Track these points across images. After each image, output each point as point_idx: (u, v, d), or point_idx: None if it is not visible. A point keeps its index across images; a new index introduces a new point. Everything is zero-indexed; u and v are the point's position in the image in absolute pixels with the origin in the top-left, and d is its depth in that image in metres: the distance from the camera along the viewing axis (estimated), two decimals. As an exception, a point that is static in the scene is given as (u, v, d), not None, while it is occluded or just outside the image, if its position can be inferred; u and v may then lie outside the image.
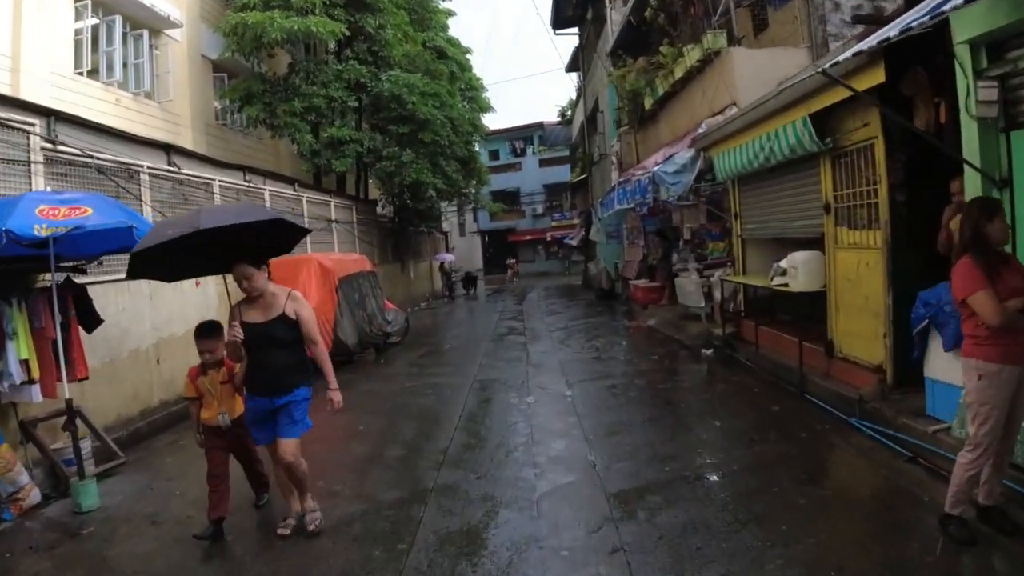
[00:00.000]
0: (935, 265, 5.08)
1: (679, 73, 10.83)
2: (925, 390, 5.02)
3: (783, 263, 6.92)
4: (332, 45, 16.18)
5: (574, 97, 32.41)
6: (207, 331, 4.24)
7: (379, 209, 21.09)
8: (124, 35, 14.33)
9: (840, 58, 4.92)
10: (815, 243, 6.87)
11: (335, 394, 4.11)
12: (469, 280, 27.92)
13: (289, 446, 3.87)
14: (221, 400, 4.18)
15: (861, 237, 5.87)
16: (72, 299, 6.01)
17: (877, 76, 4.92)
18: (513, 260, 37.53)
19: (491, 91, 63.72)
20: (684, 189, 8.98)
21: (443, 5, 25.01)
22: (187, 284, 8.89)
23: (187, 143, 15.52)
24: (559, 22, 24.44)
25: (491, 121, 34.13)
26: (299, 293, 4.10)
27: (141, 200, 8.29)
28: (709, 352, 8.95)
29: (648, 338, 10.96)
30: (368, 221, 18.11)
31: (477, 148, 33.54)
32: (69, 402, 5.40)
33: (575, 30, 25.14)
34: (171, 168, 9.06)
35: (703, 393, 6.97)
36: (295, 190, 13.17)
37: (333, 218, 14.88)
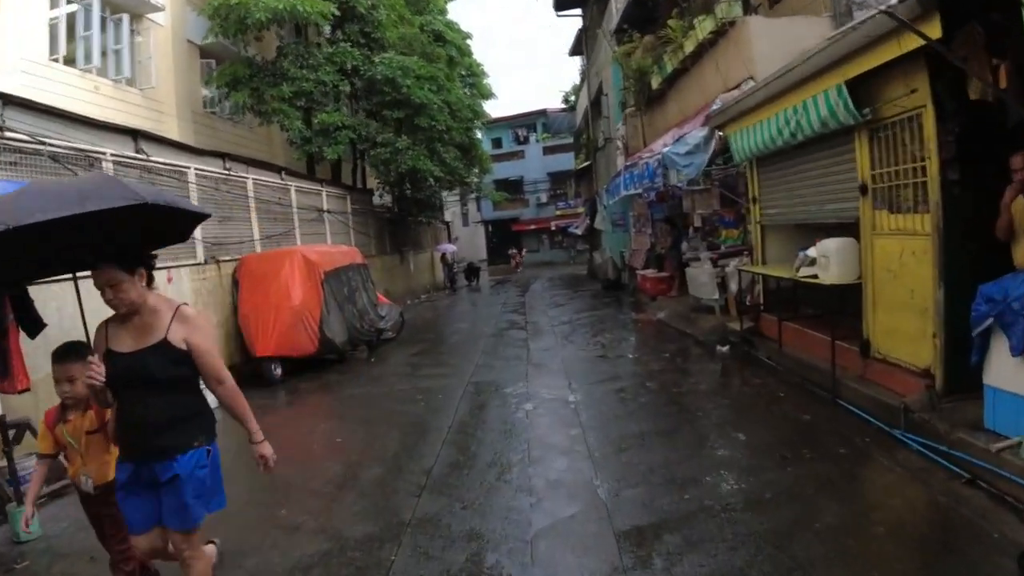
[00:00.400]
0: (993, 254, 4.37)
1: (690, 47, 10.03)
2: (984, 399, 4.29)
3: (811, 251, 6.17)
4: (323, 27, 15.44)
5: (578, 82, 31.57)
6: (64, 354, 2.97)
7: (377, 199, 20.40)
8: (103, 20, 13.63)
9: (881, 9, 4.17)
10: (847, 229, 6.12)
11: (262, 448, 2.96)
12: (471, 271, 27.21)
13: (178, 540, 2.71)
14: (87, 455, 3.04)
15: (905, 222, 5.12)
16: (10, 300, 5.34)
17: (932, 30, 4.15)
18: (515, 251, 36.74)
19: (494, 79, 62.68)
20: (697, 171, 8.22)
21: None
22: (159, 280, 8.22)
23: (172, 131, 14.83)
24: (561, 2, 23.53)
25: (493, 109, 33.35)
26: (191, 310, 2.86)
27: (105, 190, 7.60)
28: (725, 349, 8.22)
29: (658, 333, 10.24)
30: (364, 211, 17.41)
31: (479, 135, 32.78)
32: (2, 419, 4.81)
33: (578, 11, 24.23)
34: (138, 155, 8.37)
35: (722, 398, 6.24)
36: (282, 178, 12.46)
37: (325, 208, 14.17)
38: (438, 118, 15.80)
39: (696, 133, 8.36)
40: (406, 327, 13.70)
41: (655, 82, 12.53)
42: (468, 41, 28.91)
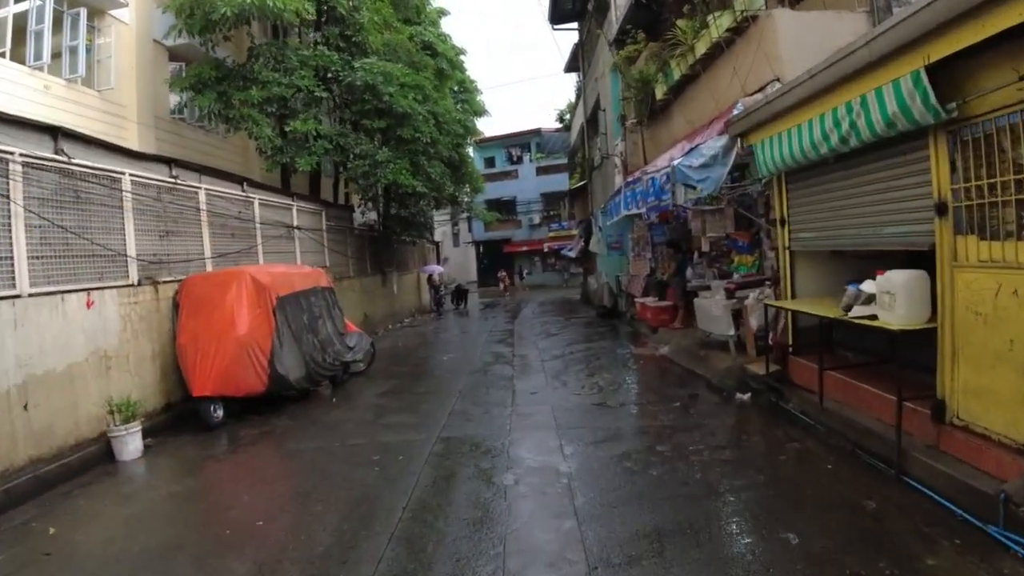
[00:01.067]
0: None
1: (702, 49, 8.87)
2: None
3: (867, 286, 4.92)
4: (299, 27, 14.30)
5: (573, 99, 30.61)
6: None
7: (359, 216, 19.13)
8: (58, 14, 12.43)
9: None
10: (905, 259, 4.89)
11: None
12: (459, 294, 25.88)
13: None
14: None
15: (1005, 251, 3.88)
16: None
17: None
18: (504, 273, 35.41)
19: (488, 97, 62.02)
20: (715, 187, 7.00)
21: (434, 4, 23.23)
22: (73, 304, 6.88)
23: (131, 139, 13.57)
24: (557, 16, 22.57)
25: (487, 127, 32.32)
26: None
27: (9, 198, 6.30)
28: (746, 397, 6.95)
29: (663, 373, 8.94)
30: (342, 229, 16.13)
31: (471, 152, 31.76)
32: None
33: (574, 25, 23.30)
34: (57, 157, 7.07)
35: (755, 471, 4.89)
36: (244, 190, 11.17)
37: (295, 224, 12.88)
38: (423, 129, 14.60)
39: (713, 143, 7.15)
40: (380, 357, 12.35)
41: (659, 91, 11.39)
42: (462, 57, 28.05)
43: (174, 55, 15.18)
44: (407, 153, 14.57)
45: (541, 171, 41.14)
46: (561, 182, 36.12)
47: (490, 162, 43.80)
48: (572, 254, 25.62)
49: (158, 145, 13.62)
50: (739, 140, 6.93)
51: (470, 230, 43.40)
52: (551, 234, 40.03)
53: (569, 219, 31.63)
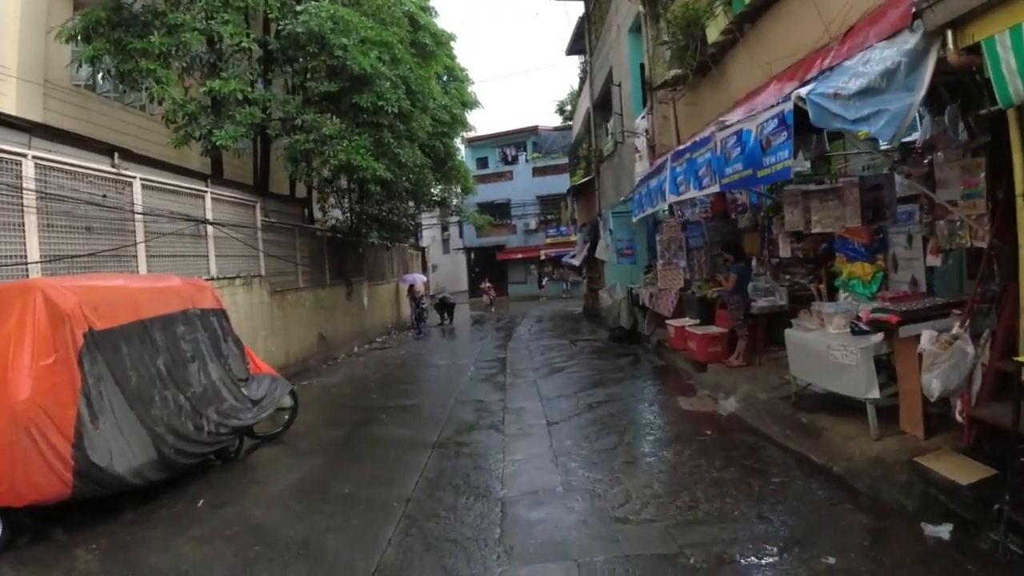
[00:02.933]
0: None
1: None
2: None
3: None
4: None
5: (576, 86, 27.37)
6: None
7: (318, 212, 15.68)
8: None
9: None
10: None
11: None
12: (444, 307, 22.36)
13: None
14: None
15: None
16: None
17: None
18: (489, 284, 31.83)
19: (481, 93, 58.67)
20: (896, 129, 3.57)
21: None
22: None
23: (8, 105, 10.17)
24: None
25: (480, 126, 29.40)
26: None
27: None
28: (943, 533, 3.56)
29: (751, 456, 5.43)
30: (288, 228, 12.65)
31: (460, 148, 28.47)
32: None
33: (580, -3, 20.02)
34: None
35: None
36: (115, 164, 7.72)
37: (208, 218, 9.41)
38: (388, 96, 11.13)
39: (881, 52, 3.73)
40: (319, 402, 8.92)
41: (713, 31, 8.02)
42: (452, 43, 24.92)
43: (79, 4, 11.76)
44: (366, 127, 11.11)
45: (538, 172, 37.76)
46: (559, 184, 32.76)
47: (482, 162, 40.45)
48: (575, 262, 22.12)
49: (55, 117, 10.15)
50: (944, 37, 3.51)
51: (461, 236, 40.01)
52: (548, 240, 36.72)
53: (570, 223, 28.05)
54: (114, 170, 7.58)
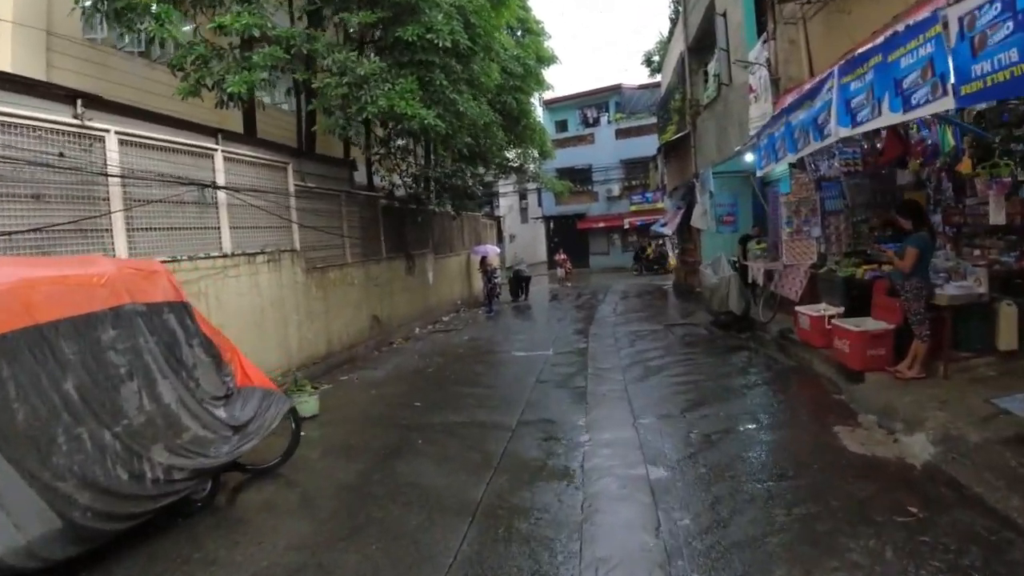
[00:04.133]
0: None
1: None
2: None
3: None
4: None
5: (665, 33, 24.40)
6: None
7: (378, 179, 13.95)
8: None
9: None
10: None
11: None
12: (518, 281, 20.32)
13: None
14: None
15: None
16: None
17: None
18: (564, 256, 29.15)
19: (559, 54, 55.35)
20: None
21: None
22: None
23: (3, 61, 8.87)
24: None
25: (558, 85, 26.93)
26: None
27: None
28: None
29: (986, 557, 3.14)
30: (332, 194, 10.90)
31: (536, 107, 26.14)
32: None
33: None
34: None
35: None
36: (79, 114, 6.04)
37: (220, 181, 7.69)
38: (439, 28, 8.99)
39: None
40: (352, 403, 7.16)
41: None
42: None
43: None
44: (413, 67, 9.06)
45: (621, 134, 34.75)
46: (645, 146, 29.80)
47: (562, 125, 37.82)
48: (667, 231, 19.45)
49: (64, 76, 8.77)
50: None
51: (540, 204, 37.80)
52: (633, 207, 33.88)
53: (659, 188, 25.05)
54: (79, 122, 5.89)
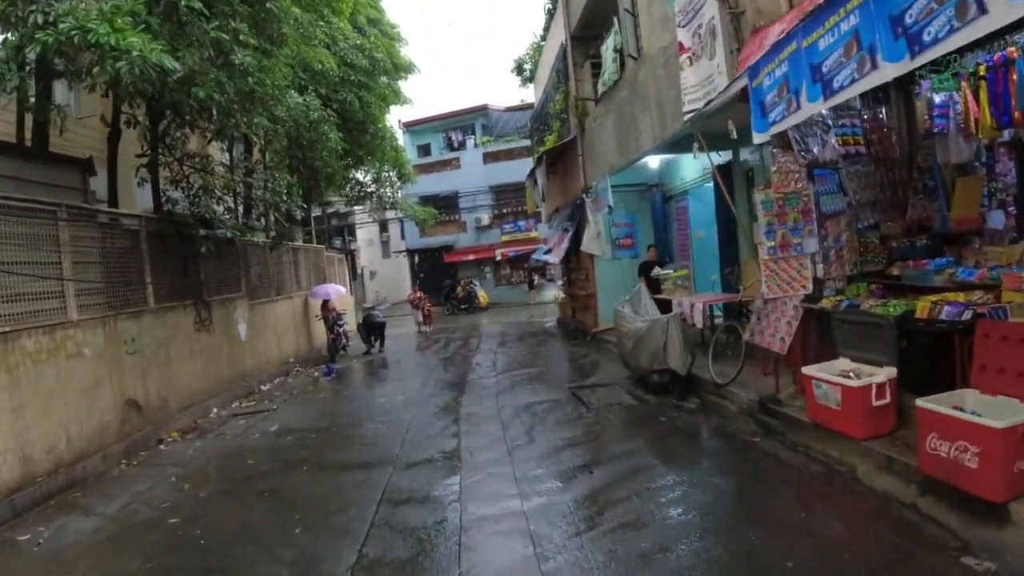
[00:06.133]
0: None
1: None
2: None
3: None
4: None
5: (540, 34, 21.83)
6: None
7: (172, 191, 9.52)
8: None
9: None
10: None
11: None
12: (371, 329, 16.09)
13: None
14: None
15: None
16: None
17: None
18: (420, 294, 21.56)
19: (423, 82, 52.68)
20: None
21: None
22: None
23: None
24: None
25: (421, 107, 23.97)
26: None
27: None
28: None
29: None
30: (45, 213, 6.39)
31: (392, 124, 22.55)
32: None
33: None
34: None
35: None
36: None
37: None
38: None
39: None
40: None
41: None
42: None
43: None
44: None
45: (489, 158, 31.77)
46: (516, 171, 26.77)
47: (424, 150, 34.27)
48: (553, 258, 16.07)
49: None
50: None
51: (403, 236, 33.86)
52: (504, 237, 30.83)
53: (537, 207, 20.98)
54: None
